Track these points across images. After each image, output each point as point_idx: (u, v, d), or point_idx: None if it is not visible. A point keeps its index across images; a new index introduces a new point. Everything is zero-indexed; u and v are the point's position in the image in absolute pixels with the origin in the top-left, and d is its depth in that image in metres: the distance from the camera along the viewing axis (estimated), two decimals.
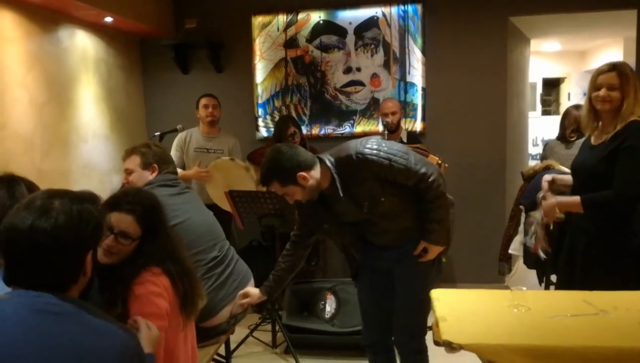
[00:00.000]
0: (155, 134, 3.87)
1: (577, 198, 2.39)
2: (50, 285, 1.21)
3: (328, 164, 2.33)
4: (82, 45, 4.15)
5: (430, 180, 2.28)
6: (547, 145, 4.02)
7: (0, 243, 1.21)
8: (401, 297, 2.47)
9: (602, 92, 2.33)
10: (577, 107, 3.87)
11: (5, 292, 1.38)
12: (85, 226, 1.23)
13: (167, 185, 2.47)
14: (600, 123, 2.44)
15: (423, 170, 2.28)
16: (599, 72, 2.36)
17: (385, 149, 2.29)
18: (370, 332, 2.61)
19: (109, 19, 4.12)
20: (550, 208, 2.47)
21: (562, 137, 3.88)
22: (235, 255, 2.72)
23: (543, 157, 3.88)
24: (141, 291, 1.69)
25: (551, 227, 2.82)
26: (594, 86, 2.37)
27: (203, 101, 4.13)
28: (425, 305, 2.35)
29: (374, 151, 2.27)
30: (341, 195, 2.30)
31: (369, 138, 2.38)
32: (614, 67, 2.35)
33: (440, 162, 3.91)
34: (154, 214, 1.81)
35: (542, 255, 2.84)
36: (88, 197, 1.30)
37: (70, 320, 1.20)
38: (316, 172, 2.32)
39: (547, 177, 2.61)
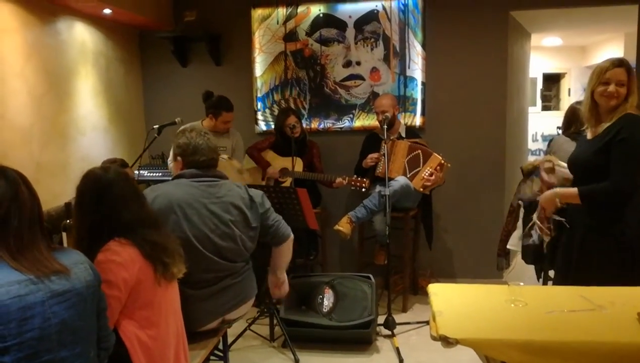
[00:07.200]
0: (154, 126, 3.86)
1: (575, 189, 2.40)
2: None
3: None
4: (81, 37, 4.12)
5: None
6: (552, 140, 3.89)
7: None
8: None
9: (612, 87, 2.31)
10: (580, 103, 3.78)
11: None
12: None
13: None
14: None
15: None
16: (607, 67, 2.32)
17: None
18: None
19: (107, 11, 4.10)
20: (549, 200, 2.47)
21: (570, 134, 3.75)
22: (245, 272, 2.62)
23: (548, 152, 3.76)
24: (101, 258, 1.82)
25: (545, 243, 2.82)
26: (601, 81, 2.34)
27: (225, 116, 4.06)
28: None
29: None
30: None
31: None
32: (621, 62, 2.32)
33: (443, 162, 3.89)
34: (83, 192, 2.05)
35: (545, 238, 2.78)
36: None
37: None
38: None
39: (546, 164, 2.60)
